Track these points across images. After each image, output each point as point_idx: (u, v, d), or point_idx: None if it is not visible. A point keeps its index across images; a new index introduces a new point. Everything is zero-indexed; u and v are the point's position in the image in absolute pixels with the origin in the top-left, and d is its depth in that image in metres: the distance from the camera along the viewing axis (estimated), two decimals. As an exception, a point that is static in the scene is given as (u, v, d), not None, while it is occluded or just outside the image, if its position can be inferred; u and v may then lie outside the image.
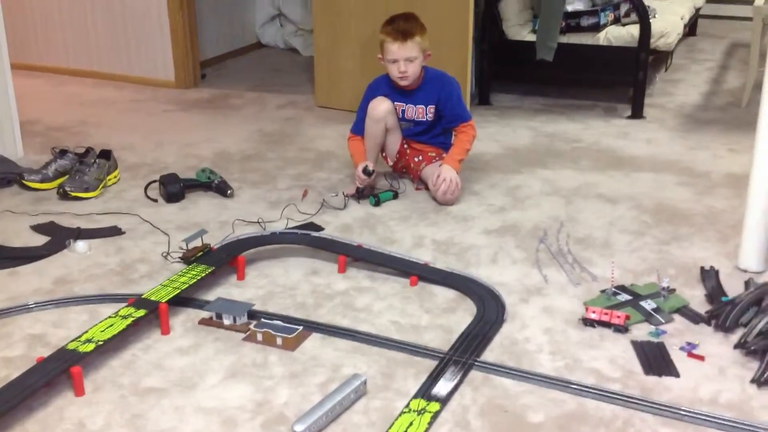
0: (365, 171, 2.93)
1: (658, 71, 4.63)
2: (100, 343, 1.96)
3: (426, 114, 3.06)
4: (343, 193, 2.99)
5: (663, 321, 2.14)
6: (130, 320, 2.06)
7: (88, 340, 1.96)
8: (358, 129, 3.10)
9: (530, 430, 1.74)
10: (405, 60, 2.92)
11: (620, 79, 4.05)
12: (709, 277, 2.35)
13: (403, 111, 3.07)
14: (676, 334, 2.10)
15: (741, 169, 3.14)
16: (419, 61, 2.96)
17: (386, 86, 3.06)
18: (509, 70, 4.22)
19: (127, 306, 2.14)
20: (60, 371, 1.85)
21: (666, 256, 2.54)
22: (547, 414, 1.79)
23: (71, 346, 1.94)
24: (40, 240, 2.67)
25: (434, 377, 1.91)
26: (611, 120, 3.92)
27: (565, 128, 3.80)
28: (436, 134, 3.12)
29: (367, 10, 3.76)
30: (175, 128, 3.86)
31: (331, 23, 3.96)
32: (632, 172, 3.25)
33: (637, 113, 3.94)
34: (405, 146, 3.13)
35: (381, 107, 3.01)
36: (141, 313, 2.09)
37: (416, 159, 3.10)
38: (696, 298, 2.27)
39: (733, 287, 2.30)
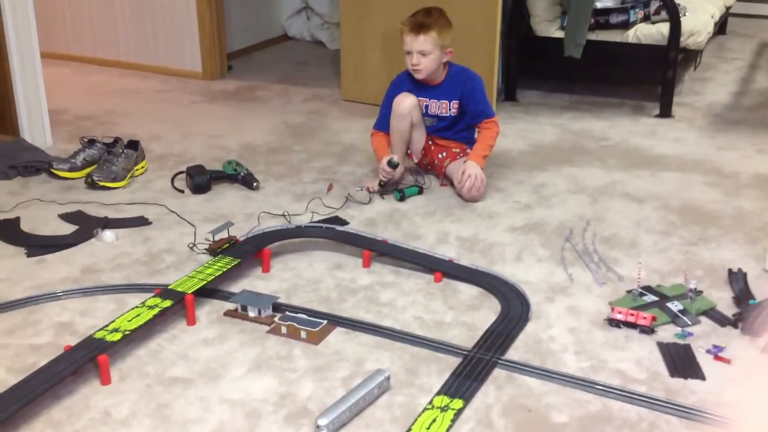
0: (390, 163, 2.93)
1: (687, 70, 4.58)
2: (127, 332, 1.97)
3: (449, 109, 3.05)
4: (367, 188, 2.99)
5: (689, 323, 2.12)
6: (156, 310, 2.07)
7: (115, 330, 1.98)
8: (381, 125, 3.10)
9: (554, 430, 1.74)
10: (418, 53, 2.91)
11: (649, 77, 4.01)
12: (737, 279, 2.33)
13: (427, 106, 3.06)
14: (702, 336, 2.08)
15: (770, 171, 3.11)
16: (435, 56, 2.93)
17: (409, 82, 3.06)
18: (536, 67, 4.20)
19: (153, 296, 2.15)
20: (87, 360, 1.87)
21: (693, 257, 2.52)
22: (572, 414, 1.78)
23: (98, 335, 1.96)
24: (68, 228, 2.70)
25: (458, 374, 1.91)
26: (639, 118, 3.89)
27: (591, 126, 3.77)
28: (460, 130, 3.11)
29: (393, 4, 3.75)
30: (201, 119, 3.88)
31: (357, 17, 3.96)
32: (659, 171, 3.23)
33: (665, 112, 3.90)
34: (429, 142, 3.12)
35: (406, 102, 3.01)
36: (167, 303, 2.11)
37: (440, 155, 3.10)
38: (723, 300, 2.25)
39: (761, 290, 2.28)
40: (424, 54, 2.91)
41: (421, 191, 3.02)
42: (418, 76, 2.98)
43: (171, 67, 4.63)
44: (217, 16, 4.54)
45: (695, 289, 2.22)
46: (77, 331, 2.09)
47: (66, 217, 2.77)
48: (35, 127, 3.44)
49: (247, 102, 4.18)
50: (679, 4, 3.90)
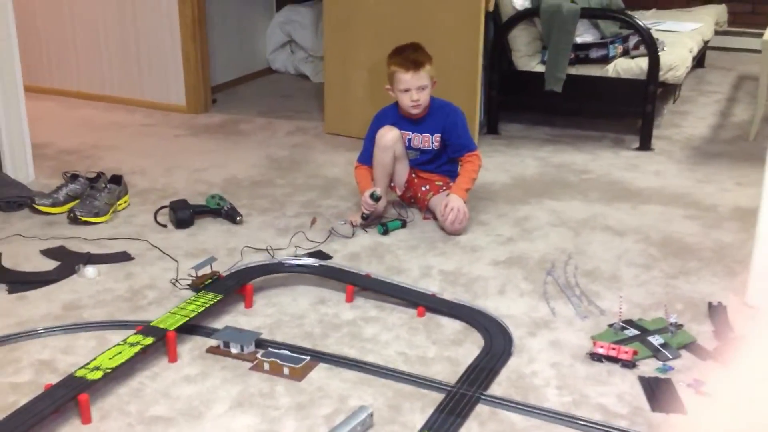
0: (373, 196, 2.94)
1: (666, 103, 4.65)
2: (108, 370, 1.96)
3: (432, 143, 3.08)
4: (350, 222, 3.00)
5: (671, 357, 2.13)
6: (138, 348, 2.06)
7: (96, 368, 1.97)
8: (365, 158, 3.12)
9: (537, 466, 1.74)
10: (417, 89, 2.96)
11: (628, 110, 4.06)
12: (717, 312, 2.35)
13: (410, 140, 3.09)
14: (683, 370, 2.10)
15: (749, 203, 3.14)
16: (429, 89, 2.99)
17: (393, 115, 3.09)
18: (518, 100, 4.24)
19: (135, 333, 2.14)
20: (68, 399, 1.86)
21: (673, 290, 2.54)
22: (554, 450, 1.79)
23: (79, 374, 1.95)
24: (50, 264, 2.68)
25: (441, 410, 1.90)
26: (619, 151, 3.93)
27: (573, 159, 3.81)
28: (443, 163, 3.14)
29: (377, 38, 3.80)
30: (185, 153, 3.89)
31: (341, 50, 4.00)
32: (640, 204, 3.26)
33: (645, 145, 3.95)
34: (413, 175, 3.14)
35: (389, 135, 3.03)
36: (149, 341, 2.10)
37: (423, 188, 3.12)
38: (704, 334, 2.27)
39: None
40: (423, 88, 2.96)
41: (404, 225, 3.03)
42: (417, 111, 3.01)
43: (155, 101, 4.64)
44: (201, 50, 4.57)
45: (676, 323, 2.24)
46: (58, 369, 2.08)
47: (48, 253, 2.76)
48: (18, 161, 3.43)
49: (231, 135, 4.19)
50: (657, 39, 3.97)
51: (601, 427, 1.85)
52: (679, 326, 2.24)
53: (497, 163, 3.71)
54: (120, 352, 2.04)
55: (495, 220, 3.10)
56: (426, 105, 3.02)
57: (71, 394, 1.87)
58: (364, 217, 2.98)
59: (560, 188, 3.44)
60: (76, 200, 3.10)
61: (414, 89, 2.96)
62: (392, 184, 3.17)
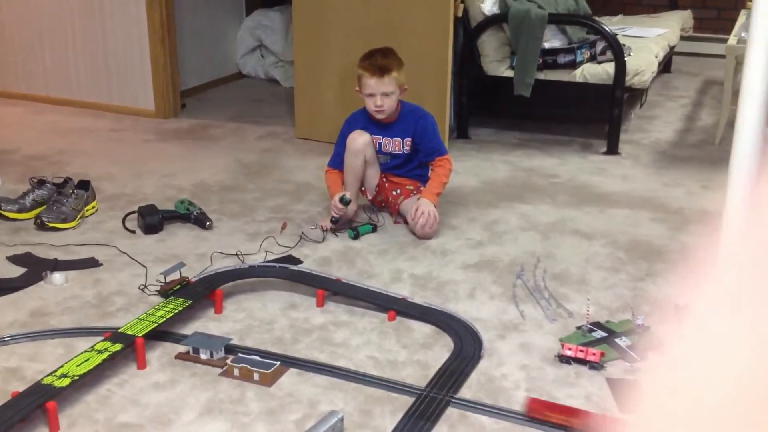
0: (342, 200, 2.95)
1: (633, 108, 4.71)
2: (76, 378, 1.95)
3: (402, 147, 3.09)
4: (321, 227, 3.00)
5: (638, 359, 2.16)
6: (106, 355, 2.05)
7: (64, 375, 1.95)
8: (335, 163, 3.12)
9: (506, 468, 1.75)
10: (382, 94, 2.96)
11: (596, 115, 4.11)
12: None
13: (380, 144, 3.10)
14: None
15: (714, 206, 3.19)
16: (396, 95, 3.00)
17: (363, 120, 3.10)
18: (488, 105, 4.27)
19: (103, 340, 2.13)
20: (35, 407, 1.84)
21: (640, 292, 2.57)
22: (523, 452, 1.80)
23: (47, 381, 1.93)
24: (17, 271, 2.65)
25: (411, 415, 1.91)
26: (587, 156, 3.97)
27: (542, 163, 3.84)
28: (414, 167, 3.16)
29: (347, 43, 3.81)
30: (154, 158, 3.86)
31: (311, 55, 4.00)
32: (608, 207, 3.30)
33: (612, 149, 4.00)
34: (384, 180, 3.15)
35: (360, 140, 3.04)
36: (117, 347, 2.09)
37: (394, 192, 3.13)
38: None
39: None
40: (388, 95, 2.97)
41: (374, 229, 3.04)
42: (381, 116, 3.02)
43: (124, 106, 4.61)
44: (170, 54, 4.55)
45: (643, 324, 2.27)
46: (25, 376, 2.06)
47: (14, 260, 2.73)
48: (-17, 167, 3.39)
49: (201, 140, 4.17)
50: (624, 45, 4.02)
51: (569, 430, 1.87)
52: (646, 328, 2.27)
53: (467, 168, 3.73)
54: (88, 359, 2.02)
55: (465, 224, 3.12)
56: (391, 111, 3.03)
57: (39, 401, 1.85)
58: (334, 221, 2.98)
59: (530, 192, 3.47)
60: (43, 206, 3.07)
61: (378, 95, 2.97)
62: (363, 189, 3.18)
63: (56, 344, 2.23)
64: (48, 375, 1.96)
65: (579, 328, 2.30)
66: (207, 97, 5.06)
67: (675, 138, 4.31)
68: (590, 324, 2.30)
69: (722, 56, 4.29)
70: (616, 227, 3.09)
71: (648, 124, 4.54)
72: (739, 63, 4.06)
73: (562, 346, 2.18)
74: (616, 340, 2.22)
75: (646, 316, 2.35)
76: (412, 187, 3.13)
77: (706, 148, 4.11)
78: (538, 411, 1.92)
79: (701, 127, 4.51)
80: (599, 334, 2.26)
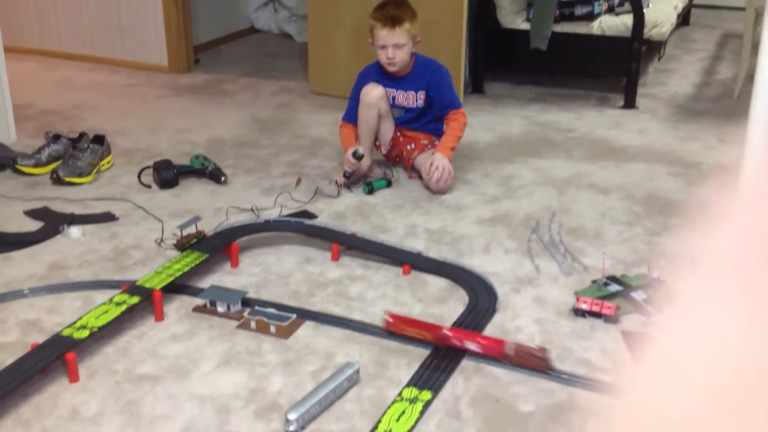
0: (355, 154, 2.94)
1: (651, 61, 4.64)
2: (95, 329, 1.97)
3: (416, 100, 3.07)
4: (335, 182, 3.00)
5: (653, 312, 2.16)
6: (124, 307, 2.07)
7: (83, 327, 1.97)
8: (350, 117, 3.11)
9: (521, 419, 1.77)
10: (393, 46, 2.93)
11: (613, 68, 4.06)
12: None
13: (394, 97, 3.08)
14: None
15: (732, 160, 3.16)
16: (408, 47, 2.96)
17: (377, 73, 3.07)
18: (503, 59, 4.23)
19: (121, 293, 2.14)
20: (55, 357, 1.86)
21: (656, 246, 2.56)
22: (538, 404, 1.81)
23: (66, 333, 1.95)
24: (34, 225, 2.67)
25: (426, 366, 1.93)
26: (604, 110, 3.93)
27: (558, 118, 3.81)
28: (428, 121, 3.13)
29: (361, -3, 3.76)
30: (168, 114, 3.86)
31: (325, 9, 3.96)
32: (624, 162, 3.27)
33: (629, 103, 3.95)
34: (398, 134, 3.14)
35: (374, 93, 3.02)
36: (135, 300, 2.11)
37: (409, 147, 3.11)
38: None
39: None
40: (399, 47, 2.93)
41: (389, 184, 3.03)
42: (393, 69, 2.99)
43: (137, 61, 4.59)
44: (183, 9, 4.51)
45: (658, 278, 2.26)
46: (44, 328, 2.08)
47: (31, 214, 2.75)
48: (-1, 122, 3.40)
49: (215, 96, 4.16)
50: (642, -4, 3.95)
51: (584, 381, 1.88)
52: (661, 282, 2.27)
53: (482, 123, 3.71)
54: (106, 311, 2.04)
55: (480, 179, 3.11)
56: (404, 63, 2.99)
57: (58, 352, 1.87)
58: (347, 175, 2.97)
59: (545, 147, 3.45)
60: (58, 161, 3.08)
61: (390, 46, 2.93)
62: (377, 143, 3.16)
63: (74, 297, 2.25)
64: (67, 327, 1.99)
65: (594, 281, 2.30)
66: (220, 52, 5.03)
67: (693, 92, 4.26)
68: (605, 278, 2.30)
69: (742, 9, 4.22)
70: (633, 181, 3.07)
71: (666, 78, 4.48)
72: (759, 15, 3.99)
73: (577, 299, 2.18)
74: (632, 293, 2.22)
75: (662, 270, 2.34)
76: (426, 142, 3.11)
77: (724, 102, 4.06)
78: (395, 326, 2.04)
79: (719, 81, 4.45)
80: (614, 287, 2.26)
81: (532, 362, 1.90)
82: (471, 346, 1.97)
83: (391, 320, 2.06)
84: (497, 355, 1.95)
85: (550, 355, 1.92)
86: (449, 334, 1.99)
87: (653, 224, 2.72)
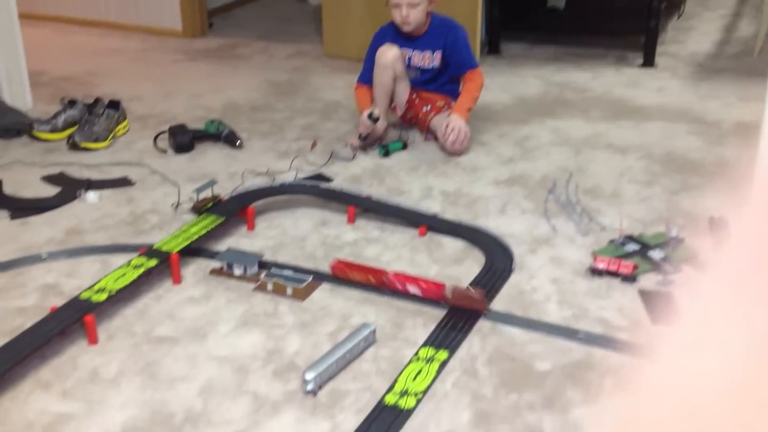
0: (370, 116, 2.92)
1: (670, 19, 4.56)
2: (113, 292, 1.98)
3: (432, 61, 3.03)
4: (350, 144, 2.99)
5: (671, 270, 2.14)
6: (142, 270, 2.08)
7: (101, 290, 1.99)
8: (365, 78, 3.08)
9: (537, 377, 1.77)
10: (408, 5, 2.89)
11: (632, 27, 4.00)
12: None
13: (410, 58, 3.05)
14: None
15: (752, 118, 3.11)
16: (423, 6, 2.92)
17: (392, 33, 3.04)
18: (520, 18, 4.17)
19: (138, 256, 2.16)
20: (74, 320, 1.88)
21: (675, 205, 2.54)
22: (555, 362, 1.81)
23: (84, 296, 1.97)
24: (51, 190, 2.69)
25: (443, 326, 1.93)
26: (622, 69, 3.88)
27: (575, 77, 3.76)
28: (444, 82, 3.10)
29: (375, -43, 3.71)
30: (183, 78, 3.85)
31: (339, -29, 3.91)
32: (643, 121, 3.23)
33: (648, 62, 3.90)
34: (414, 95, 3.11)
35: (389, 54, 2.99)
36: (152, 263, 2.12)
37: (425, 108, 3.09)
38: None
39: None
40: (414, 6, 2.90)
41: (405, 146, 3.01)
42: (408, 28, 2.96)
43: (151, 26, 4.57)
44: (196, -27, 4.48)
45: (677, 237, 2.24)
46: (63, 292, 2.10)
47: (48, 179, 2.76)
48: (15, 88, 3.40)
49: (229, 60, 4.14)
50: (662, -48, 3.88)
51: (601, 340, 1.88)
52: (680, 240, 2.25)
53: (499, 83, 3.67)
54: (124, 274, 2.06)
55: (496, 140, 3.08)
56: (419, 23, 2.96)
57: (77, 315, 1.89)
58: (362, 137, 2.96)
59: (562, 107, 3.41)
60: (74, 126, 3.08)
61: (404, 5, 2.90)
62: (393, 105, 3.14)
63: (92, 261, 2.26)
64: (85, 290, 2.00)
65: (612, 241, 2.29)
66: (234, 16, 5.00)
67: (713, 50, 4.19)
68: (623, 237, 2.28)
69: (765, -37, 4.13)
70: (651, 140, 3.04)
71: (685, 36, 4.41)
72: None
73: (594, 259, 2.17)
74: (650, 252, 2.21)
75: (681, 229, 2.32)
76: (442, 103, 3.09)
77: (745, 60, 3.99)
78: (341, 271, 2.13)
79: (740, 39, 4.37)
80: (632, 246, 2.24)
81: (469, 303, 1.97)
82: (412, 289, 2.04)
83: (337, 265, 2.13)
84: (437, 297, 2.01)
85: (485, 297, 1.99)
86: (392, 278, 2.06)
87: (672, 183, 2.69)
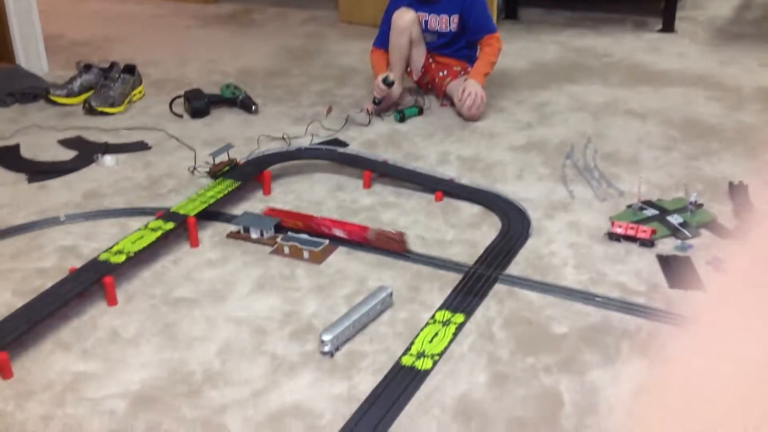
0: (385, 81, 2.90)
1: (691, -16, 4.50)
2: (131, 254, 1.99)
3: (449, 24, 3.00)
4: (366, 110, 2.97)
5: (690, 235, 2.13)
6: (159, 233, 2.09)
7: (119, 252, 2.00)
8: (381, 42, 3.06)
9: (554, 340, 1.77)
10: None
11: (651, -9, 3.95)
12: (738, 192, 2.33)
13: (426, 22, 3.02)
14: (702, 248, 2.09)
15: (773, 84, 3.08)
16: None
17: (409, -3, 3.02)
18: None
19: (156, 219, 2.16)
20: (93, 281, 1.89)
21: (694, 171, 2.51)
22: (572, 326, 1.81)
23: (103, 257, 1.98)
24: (68, 154, 2.69)
25: (459, 290, 1.93)
26: (641, 34, 3.83)
27: (594, 43, 3.72)
28: (461, 47, 3.07)
29: None
30: (197, 44, 3.83)
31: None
32: (662, 87, 3.20)
33: (668, 27, 3.85)
34: (430, 60, 3.08)
35: (405, 17, 2.96)
36: (170, 225, 2.12)
37: (441, 73, 3.06)
38: (724, 213, 2.26)
39: (762, 202, 2.28)
40: None
41: (421, 112, 3.00)
42: None
43: (165, -9, 4.55)
44: (210, -63, 4.44)
45: (696, 202, 2.22)
46: (82, 254, 2.11)
47: (65, 143, 2.77)
48: (31, 53, 3.40)
49: (243, 26, 4.12)
50: None
51: (618, 303, 1.87)
52: (699, 205, 2.23)
53: (516, 49, 3.64)
54: (142, 237, 2.06)
55: (513, 106, 3.06)
56: None
57: (96, 276, 1.90)
58: (376, 102, 2.94)
59: (580, 73, 3.38)
60: (90, 91, 3.08)
61: None
62: (409, 69, 3.12)
63: (110, 224, 2.27)
64: (104, 252, 2.01)
65: (630, 206, 2.27)
66: (248, -19, 4.96)
67: (733, 15, 4.13)
68: (641, 202, 2.27)
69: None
70: (671, 106, 3.00)
71: (705, 1, 4.34)
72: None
73: (612, 224, 2.15)
74: (668, 217, 2.19)
75: (700, 194, 2.31)
76: (459, 68, 3.06)
77: (765, 25, 3.94)
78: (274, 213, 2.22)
79: (761, 4, 4.30)
80: (651, 212, 2.23)
81: (390, 245, 2.09)
82: (338, 232, 2.15)
83: (269, 212, 2.26)
84: (360, 239, 2.13)
85: (404, 238, 2.10)
86: (319, 221, 2.19)
87: (691, 149, 2.66)
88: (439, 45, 3.06)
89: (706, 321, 0.46)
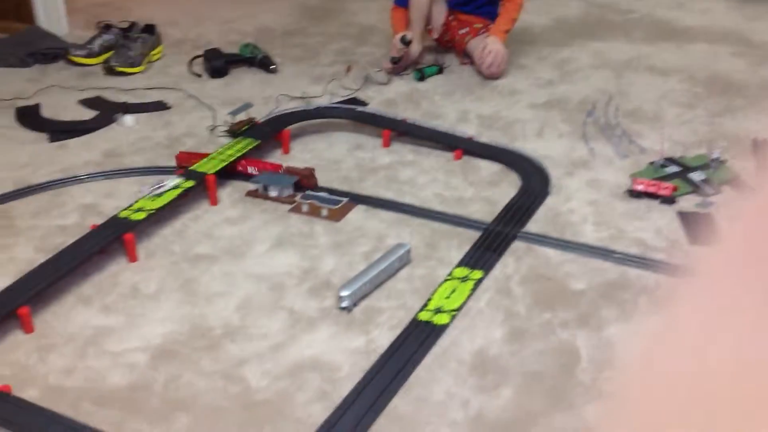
0: (403, 39, 2.87)
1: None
2: (152, 211, 2.00)
3: None
4: (385, 69, 2.95)
5: (711, 192, 2.11)
6: (179, 190, 2.10)
7: (140, 209, 2.01)
8: (401, 0, 3.03)
9: (572, 297, 1.76)
10: None
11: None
12: (761, 148, 2.30)
13: (447, -22, 2.98)
14: (724, 205, 2.07)
15: (801, 40, 3.02)
16: None
17: (429, -48, 2.97)
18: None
19: (176, 177, 2.17)
20: (113, 237, 1.91)
21: (718, 128, 2.48)
22: (590, 282, 1.80)
23: (123, 215, 1.99)
24: (88, 114, 2.70)
25: (477, 247, 1.92)
26: (666, -10, 3.76)
27: (617, -1, 3.66)
28: (482, 4, 3.03)
29: None
30: (214, 4, 3.81)
31: None
32: (686, 43, 3.15)
33: (693, -17, 3.77)
34: (450, 18, 3.05)
35: (426, -26, 2.92)
36: (190, 183, 2.13)
37: (461, 31, 3.03)
38: (746, 170, 2.23)
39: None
40: None
41: (441, 71, 2.97)
42: None
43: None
44: None
45: (718, 158, 2.20)
46: (102, 212, 2.13)
47: (85, 103, 2.78)
48: (51, 14, 3.40)
49: (263, -16, 4.08)
50: None
51: (637, 260, 1.86)
52: (721, 162, 2.20)
53: (538, 5, 3.58)
54: (161, 194, 2.07)
55: (535, 63, 3.03)
56: None
57: (117, 233, 1.92)
58: (394, 61, 2.92)
59: (603, 29, 3.33)
60: (110, 51, 3.08)
61: None
62: (429, 27, 3.09)
63: (130, 182, 2.28)
64: (124, 209, 2.02)
65: (651, 163, 2.25)
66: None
67: (762, -30, 4.03)
68: (663, 159, 2.24)
69: None
70: (694, 62, 2.96)
71: (733, -44, 4.24)
72: None
73: (633, 181, 2.14)
74: (690, 174, 2.17)
75: (723, 151, 2.27)
76: (480, 26, 3.02)
77: (796, -20, 3.84)
78: (185, 160, 2.28)
79: (792, -42, 4.20)
80: (672, 168, 2.20)
81: (302, 182, 2.19)
82: (252, 170, 2.26)
83: (180, 155, 2.32)
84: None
85: (314, 174, 2.21)
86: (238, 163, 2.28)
87: (714, 105, 2.62)
88: (460, 2, 3.03)
89: (710, 273, 0.45)
